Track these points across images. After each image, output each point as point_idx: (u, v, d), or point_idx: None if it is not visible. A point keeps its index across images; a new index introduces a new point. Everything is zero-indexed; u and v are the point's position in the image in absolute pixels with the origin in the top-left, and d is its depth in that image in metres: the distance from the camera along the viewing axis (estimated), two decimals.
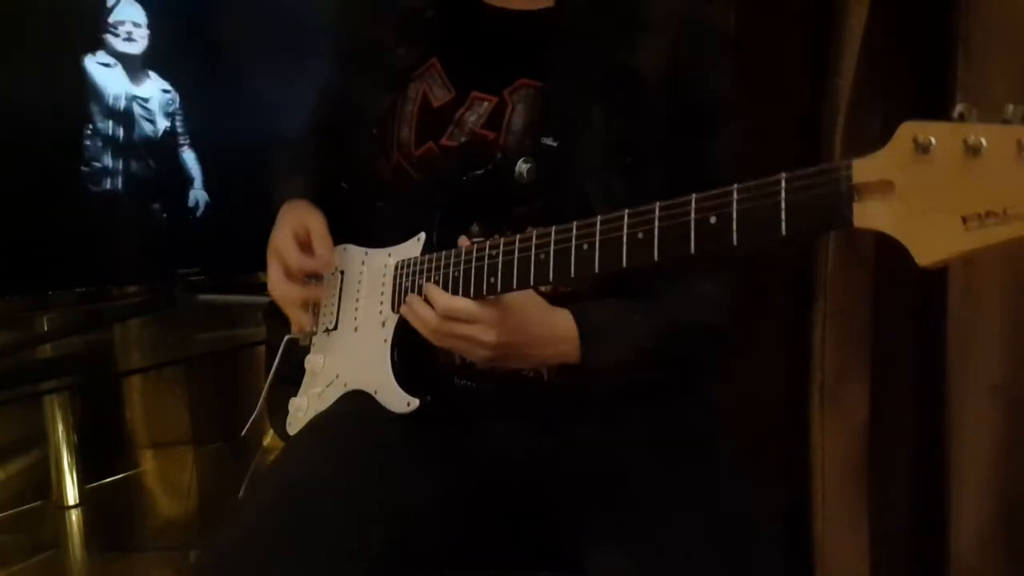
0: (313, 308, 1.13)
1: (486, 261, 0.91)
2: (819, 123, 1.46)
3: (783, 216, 0.68)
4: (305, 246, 1.09)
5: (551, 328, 0.96)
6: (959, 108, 0.60)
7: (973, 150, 0.58)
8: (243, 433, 1.21)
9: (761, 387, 1.54)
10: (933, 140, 0.60)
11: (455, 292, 0.95)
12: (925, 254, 0.61)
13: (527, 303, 0.94)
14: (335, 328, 1.11)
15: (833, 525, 1.47)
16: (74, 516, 2.32)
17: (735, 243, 0.71)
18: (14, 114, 1.90)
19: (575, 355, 0.96)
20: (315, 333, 1.13)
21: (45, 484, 2.32)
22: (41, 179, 1.96)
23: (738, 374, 1.41)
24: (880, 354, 1.45)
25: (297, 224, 1.10)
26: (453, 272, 0.95)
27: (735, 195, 0.70)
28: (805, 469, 1.51)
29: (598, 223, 0.80)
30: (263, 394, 1.18)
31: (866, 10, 1.32)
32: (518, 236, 0.88)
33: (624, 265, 0.78)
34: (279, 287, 1.11)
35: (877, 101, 1.36)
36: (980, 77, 1.22)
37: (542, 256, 0.85)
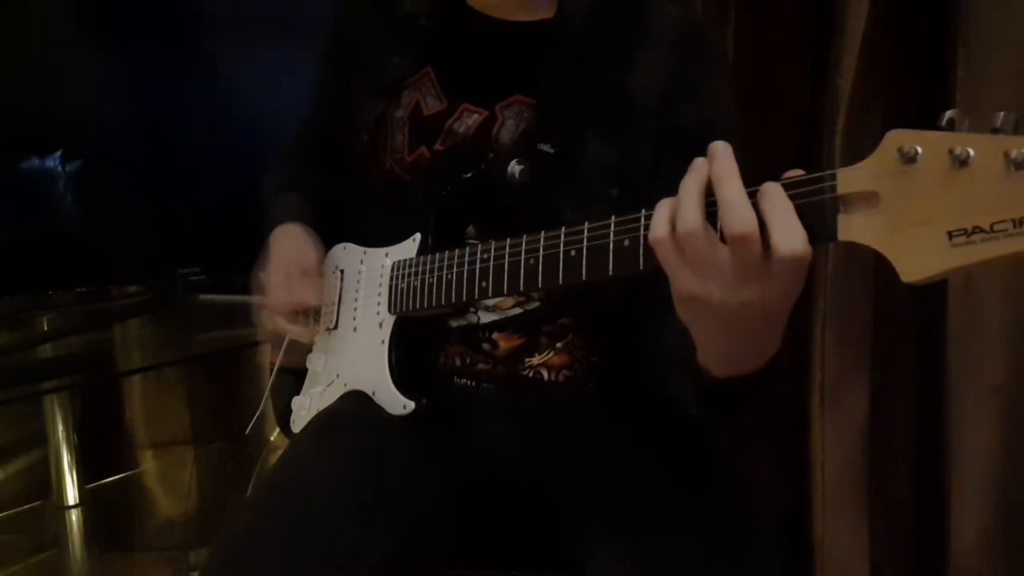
0: (313, 312, 1.13)
1: (478, 265, 0.91)
2: (819, 123, 1.46)
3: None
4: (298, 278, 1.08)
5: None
6: (949, 114, 0.58)
7: (960, 161, 0.56)
8: (247, 432, 1.21)
9: None
10: (919, 150, 0.58)
11: (448, 295, 0.95)
12: (910, 270, 0.59)
13: None
14: (335, 327, 1.11)
15: (833, 525, 1.47)
16: (74, 516, 2.32)
17: None
18: (14, 113, 1.91)
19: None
20: (316, 332, 1.13)
21: (45, 484, 2.32)
22: (41, 179, 1.97)
23: None
24: (880, 354, 1.45)
25: (291, 262, 1.08)
26: (447, 275, 0.95)
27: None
28: (805, 469, 1.51)
29: (585, 229, 0.78)
30: (267, 393, 1.18)
31: (866, 10, 1.32)
32: (508, 240, 0.87)
33: (610, 273, 0.76)
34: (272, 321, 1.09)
35: (877, 101, 1.36)
36: (980, 77, 1.22)
37: (531, 261, 0.84)
